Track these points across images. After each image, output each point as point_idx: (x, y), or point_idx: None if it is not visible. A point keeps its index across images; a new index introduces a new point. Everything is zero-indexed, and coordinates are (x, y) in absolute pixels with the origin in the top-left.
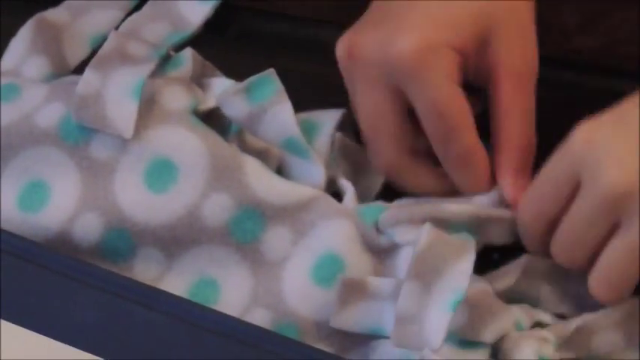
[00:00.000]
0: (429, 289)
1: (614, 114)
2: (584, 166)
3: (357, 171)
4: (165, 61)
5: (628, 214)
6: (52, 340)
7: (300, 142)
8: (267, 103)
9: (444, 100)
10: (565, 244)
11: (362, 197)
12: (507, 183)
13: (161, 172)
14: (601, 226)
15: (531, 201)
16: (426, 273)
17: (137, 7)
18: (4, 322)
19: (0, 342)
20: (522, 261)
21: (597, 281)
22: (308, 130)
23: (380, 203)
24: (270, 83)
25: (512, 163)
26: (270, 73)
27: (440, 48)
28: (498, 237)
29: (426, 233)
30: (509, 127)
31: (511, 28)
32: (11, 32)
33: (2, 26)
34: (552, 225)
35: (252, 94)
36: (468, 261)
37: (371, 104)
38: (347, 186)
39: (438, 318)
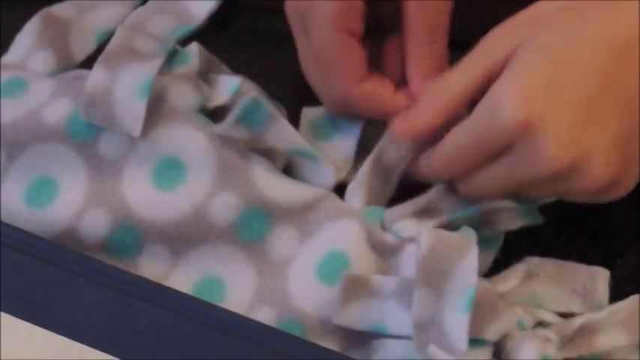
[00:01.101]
0: (440, 292)
1: (544, 75)
2: (519, 142)
3: None
4: (172, 56)
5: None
6: (57, 335)
7: (307, 151)
8: (264, 128)
9: (321, 47)
10: (478, 190)
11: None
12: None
13: (169, 171)
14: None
15: (448, 154)
16: (434, 277)
17: (142, 4)
18: (7, 318)
19: (1, 337)
20: (525, 263)
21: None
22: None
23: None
24: (258, 108)
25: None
26: (252, 98)
27: None
28: (505, 224)
29: (425, 236)
30: (412, 47)
31: None
32: (10, 28)
33: (2, 22)
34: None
35: (246, 123)
36: (472, 255)
37: (303, 54)
38: (356, 186)
39: (457, 320)
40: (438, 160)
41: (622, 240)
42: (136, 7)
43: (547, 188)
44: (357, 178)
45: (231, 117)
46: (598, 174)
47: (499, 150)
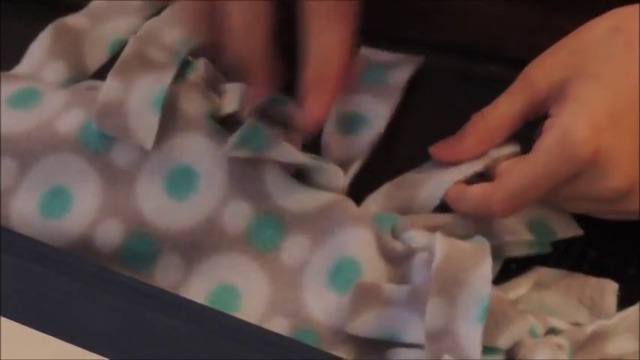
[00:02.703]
0: (453, 302)
1: (610, 115)
2: (587, 169)
3: None
4: (183, 66)
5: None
6: (71, 345)
7: (310, 164)
8: (265, 149)
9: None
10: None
11: None
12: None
13: (182, 180)
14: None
15: (520, 189)
16: (448, 286)
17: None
18: (18, 327)
19: (0, 337)
20: (534, 272)
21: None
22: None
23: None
24: (257, 133)
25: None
26: (250, 125)
27: None
28: (508, 232)
29: (440, 245)
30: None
31: None
32: (17, 39)
33: (3, 31)
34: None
35: (245, 147)
36: (486, 266)
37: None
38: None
39: (470, 331)
40: (502, 196)
41: (634, 250)
42: (147, 18)
43: (595, 205)
44: (381, 190)
45: (231, 141)
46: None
47: (566, 180)
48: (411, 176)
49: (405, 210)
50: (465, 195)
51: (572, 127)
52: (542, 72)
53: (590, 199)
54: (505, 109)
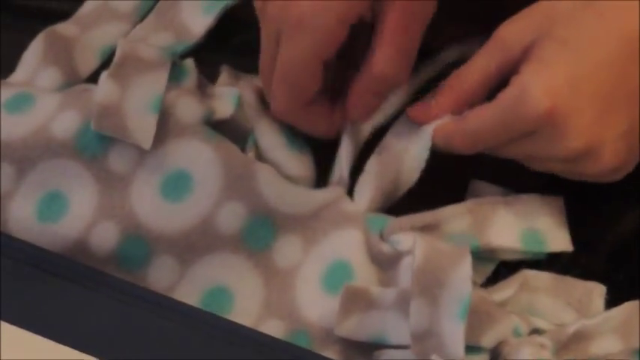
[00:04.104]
0: (435, 301)
1: (571, 78)
2: (543, 129)
3: None
4: (173, 70)
5: None
6: (66, 347)
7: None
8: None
9: (288, 65)
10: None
11: None
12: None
13: (176, 183)
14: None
15: (471, 136)
16: (429, 287)
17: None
18: (14, 329)
19: (1, 337)
20: (521, 275)
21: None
22: None
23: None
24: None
25: (368, 85)
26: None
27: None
28: (498, 238)
29: (419, 246)
30: (378, 54)
31: None
32: (9, 47)
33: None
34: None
35: None
36: (466, 265)
37: (266, 56)
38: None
39: (453, 329)
40: (461, 134)
41: (623, 257)
42: (136, 23)
43: (557, 166)
44: (363, 175)
45: None
46: (607, 160)
47: (522, 134)
48: (390, 144)
49: (394, 181)
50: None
51: (529, 86)
52: (514, 34)
53: (552, 159)
54: (479, 69)
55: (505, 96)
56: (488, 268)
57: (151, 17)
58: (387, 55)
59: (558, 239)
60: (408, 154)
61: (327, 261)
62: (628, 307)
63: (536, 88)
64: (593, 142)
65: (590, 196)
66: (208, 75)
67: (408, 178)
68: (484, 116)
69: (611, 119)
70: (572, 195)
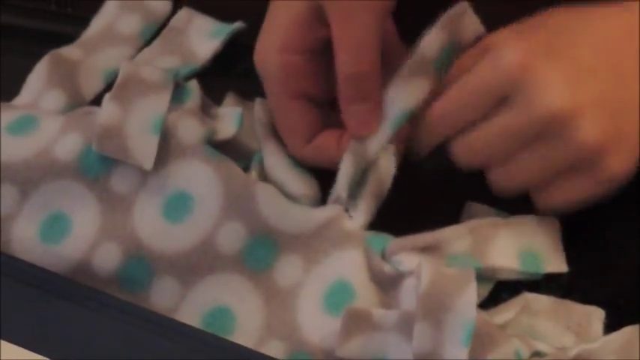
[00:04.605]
0: (439, 326)
1: (544, 40)
2: (517, 90)
3: None
4: (176, 91)
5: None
6: None
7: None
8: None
9: (272, 109)
10: (478, 149)
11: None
12: (345, 112)
13: (178, 204)
14: (525, 141)
15: (450, 106)
16: (434, 311)
17: (147, 45)
18: (17, 349)
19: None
20: (521, 298)
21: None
22: None
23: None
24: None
25: (344, 92)
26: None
27: None
28: (499, 259)
29: (425, 271)
30: (338, 58)
31: None
32: (11, 71)
33: (3, 66)
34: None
35: None
36: (471, 290)
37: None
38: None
39: (456, 355)
40: (437, 114)
41: (624, 282)
42: (139, 48)
43: (544, 150)
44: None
45: None
46: (590, 130)
47: (497, 100)
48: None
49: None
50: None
51: (503, 47)
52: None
53: (527, 125)
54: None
55: (480, 64)
56: (486, 289)
57: (157, 42)
58: (344, 54)
59: (554, 260)
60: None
61: (328, 281)
62: (628, 332)
63: (511, 48)
64: (570, 107)
65: (591, 221)
66: (213, 99)
67: (386, 173)
68: (459, 86)
69: (589, 89)
70: (573, 220)
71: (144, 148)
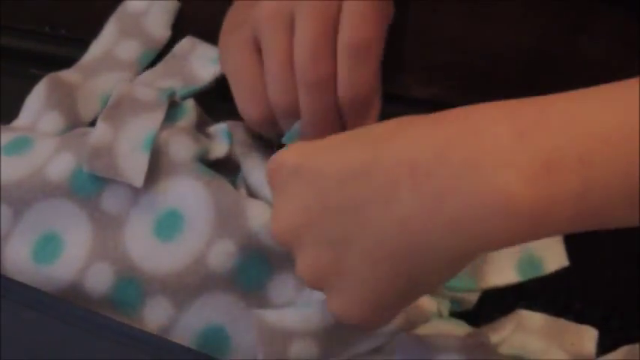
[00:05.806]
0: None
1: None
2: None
3: None
4: (171, 110)
5: None
6: None
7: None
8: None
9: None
10: None
11: None
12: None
13: (169, 223)
14: None
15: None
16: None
17: (145, 70)
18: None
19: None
20: (516, 315)
21: None
22: None
23: None
24: None
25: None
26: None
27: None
28: (496, 277)
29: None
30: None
31: None
32: (9, 93)
33: (2, 87)
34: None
35: None
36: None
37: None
38: None
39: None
40: None
41: (617, 303)
42: (138, 73)
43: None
44: None
45: None
46: (309, 256)
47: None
48: None
49: None
50: None
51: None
52: None
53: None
54: None
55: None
56: (473, 297)
57: (159, 66)
58: (300, 50)
59: (554, 256)
60: None
61: (320, 299)
62: (624, 352)
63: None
64: (290, 237)
65: (586, 244)
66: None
67: None
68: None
69: (310, 230)
70: (568, 242)
71: (134, 165)
